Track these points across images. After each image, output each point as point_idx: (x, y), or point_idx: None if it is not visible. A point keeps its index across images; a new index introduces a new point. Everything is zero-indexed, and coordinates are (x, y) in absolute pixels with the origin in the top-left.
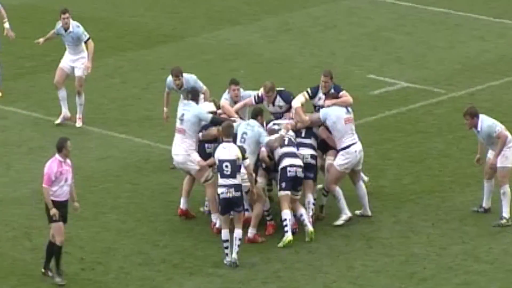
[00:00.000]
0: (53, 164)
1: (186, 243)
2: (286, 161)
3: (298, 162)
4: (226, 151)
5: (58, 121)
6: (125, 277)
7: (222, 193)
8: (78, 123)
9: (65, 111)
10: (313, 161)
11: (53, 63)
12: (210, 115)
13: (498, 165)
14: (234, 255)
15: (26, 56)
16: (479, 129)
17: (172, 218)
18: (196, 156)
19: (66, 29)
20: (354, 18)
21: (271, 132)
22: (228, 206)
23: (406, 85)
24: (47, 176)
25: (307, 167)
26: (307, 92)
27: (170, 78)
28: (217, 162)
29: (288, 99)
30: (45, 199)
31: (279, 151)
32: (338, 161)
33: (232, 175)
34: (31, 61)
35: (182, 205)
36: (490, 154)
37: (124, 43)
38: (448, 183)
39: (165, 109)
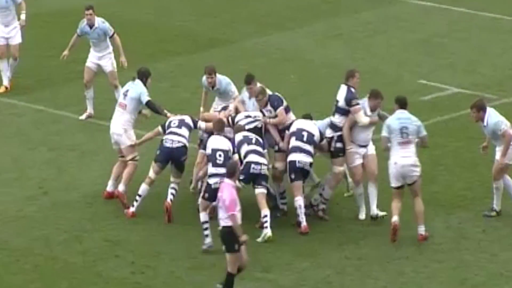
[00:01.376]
0: (232, 190)
1: None
2: (250, 158)
3: (262, 160)
4: (219, 141)
5: (82, 117)
6: (174, 281)
7: (215, 183)
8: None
9: (90, 110)
10: (309, 169)
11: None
12: (148, 99)
13: (496, 157)
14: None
15: (76, 61)
16: (485, 123)
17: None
18: (132, 133)
19: (91, 26)
20: (405, 24)
21: (238, 128)
22: (215, 194)
23: (457, 91)
24: (233, 202)
25: (303, 173)
26: None
27: (204, 77)
28: (210, 151)
29: (274, 105)
30: (234, 227)
31: (247, 148)
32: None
33: (224, 165)
34: (82, 65)
35: (109, 187)
36: (497, 155)
37: (174, 48)
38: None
39: (201, 108)
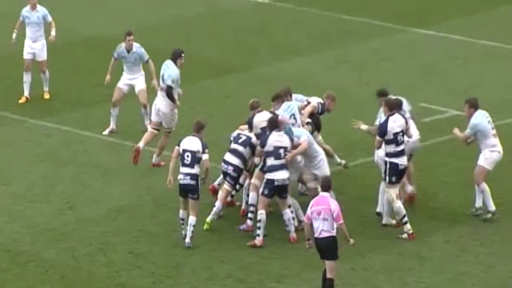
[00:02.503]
0: (336, 202)
1: (250, 259)
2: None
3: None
4: (190, 143)
5: (105, 132)
6: None
7: (180, 179)
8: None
9: (113, 126)
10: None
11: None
12: (168, 84)
13: (478, 162)
14: (188, 240)
15: (102, 85)
16: (472, 120)
17: (237, 235)
18: (175, 111)
19: (129, 50)
20: (409, 51)
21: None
22: (184, 191)
23: (456, 113)
24: (340, 212)
25: (284, 189)
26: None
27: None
28: (181, 151)
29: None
30: (345, 234)
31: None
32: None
33: (191, 165)
34: (107, 90)
35: (154, 160)
36: (480, 160)
37: (194, 74)
38: (496, 205)
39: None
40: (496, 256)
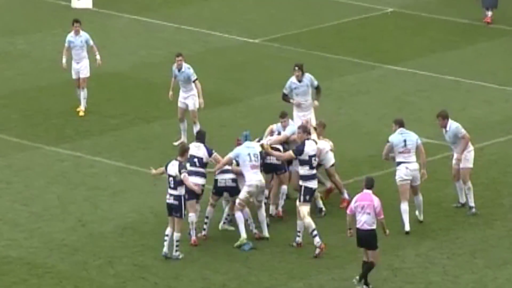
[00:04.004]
0: (378, 198)
1: (242, 270)
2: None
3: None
4: (173, 168)
5: (176, 143)
6: None
7: (166, 198)
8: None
9: (184, 138)
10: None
11: (134, 121)
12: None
13: (461, 166)
14: (174, 253)
15: (110, 116)
16: (448, 128)
17: (230, 249)
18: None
19: (179, 69)
20: (382, 85)
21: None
22: (170, 210)
23: (425, 141)
24: (381, 208)
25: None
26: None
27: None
28: (167, 175)
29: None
30: (384, 228)
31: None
32: None
33: (174, 187)
34: (115, 119)
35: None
36: (454, 160)
37: None
38: (461, 223)
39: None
40: (461, 268)
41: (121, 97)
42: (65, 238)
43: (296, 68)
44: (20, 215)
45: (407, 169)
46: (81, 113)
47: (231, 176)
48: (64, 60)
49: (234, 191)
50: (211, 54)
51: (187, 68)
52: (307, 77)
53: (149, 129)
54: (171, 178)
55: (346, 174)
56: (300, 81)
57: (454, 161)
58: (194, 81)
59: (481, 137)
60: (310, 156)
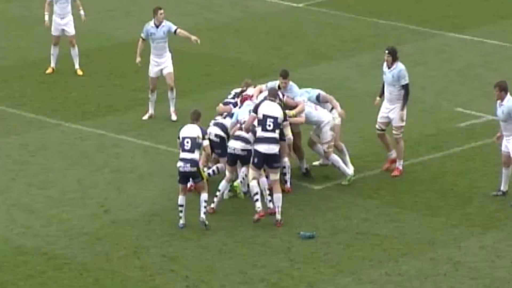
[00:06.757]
0: None
1: (283, 263)
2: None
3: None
4: (189, 130)
5: (145, 117)
6: None
7: (179, 166)
8: (173, 117)
9: (151, 110)
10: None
11: (162, 95)
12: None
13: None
14: (202, 215)
15: (137, 89)
16: (504, 102)
17: (270, 240)
18: None
19: (158, 26)
20: (444, 55)
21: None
22: (185, 178)
23: (491, 118)
24: None
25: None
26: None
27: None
28: (180, 139)
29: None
30: None
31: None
32: None
33: (191, 150)
34: (142, 93)
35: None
36: (504, 146)
37: (228, 78)
38: None
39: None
40: None
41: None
42: (86, 226)
43: (387, 52)
44: (36, 200)
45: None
46: (80, 72)
47: (242, 144)
48: (46, 18)
49: (246, 159)
50: (250, 20)
51: (166, 22)
52: (398, 68)
53: (180, 104)
54: (187, 140)
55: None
56: (389, 68)
57: (503, 146)
58: (176, 31)
59: None
60: (265, 116)
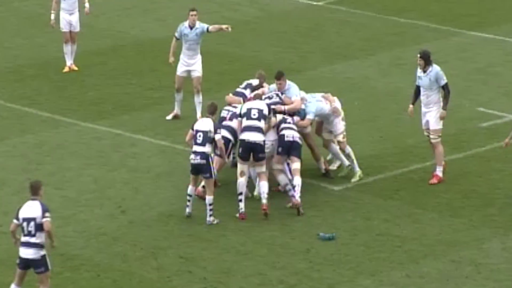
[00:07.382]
0: None
1: (302, 265)
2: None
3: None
4: (202, 124)
5: (169, 117)
6: None
7: (191, 158)
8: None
9: (177, 110)
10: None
11: (183, 96)
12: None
13: None
14: (208, 218)
15: (154, 88)
16: None
17: (289, 241)
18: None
19: (191, 27)
20: (465, 54)
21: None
22: (196, 170)
23: None
24: None
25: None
26: None
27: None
28: (194, 132)
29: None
30: None
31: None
32: None
33: (202, 143)
34: (159, 92)
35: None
36: None
37: (246, 76)
38: None
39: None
40: None
41: (166, 67)
42: (103, 226)
43: (419, 56)
44: (52, 200)
45: None
46: (75, 67)
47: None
48: (52, 16)
49: (260, 149)
50: (269, 19)
51: (203, 24)
52: (434, 70)
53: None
54: (199, 134)
55: (421, 156)
56: (425, 71)
57: None
58: (208, 29)
59: None
60: (249, 109)
